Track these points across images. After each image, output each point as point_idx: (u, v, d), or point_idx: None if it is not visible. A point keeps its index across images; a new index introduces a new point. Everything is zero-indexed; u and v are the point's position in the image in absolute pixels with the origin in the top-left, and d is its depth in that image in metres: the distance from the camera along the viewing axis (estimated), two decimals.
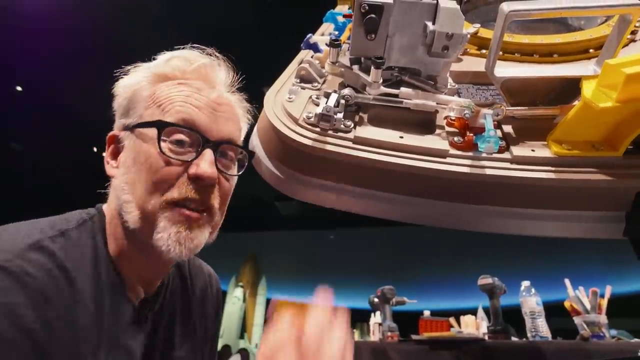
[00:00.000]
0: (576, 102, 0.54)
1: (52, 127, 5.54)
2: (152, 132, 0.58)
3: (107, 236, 0.60)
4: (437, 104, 0.59)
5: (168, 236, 0.55)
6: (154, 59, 0.65)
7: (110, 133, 0.64)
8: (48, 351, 0.47)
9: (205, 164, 0.57)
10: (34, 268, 0.49)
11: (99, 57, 4.36)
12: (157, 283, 0.66)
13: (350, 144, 0.56)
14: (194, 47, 0.66)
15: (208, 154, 0.58)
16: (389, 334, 1.76)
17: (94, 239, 0.59)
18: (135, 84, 0.63)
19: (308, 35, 0.71)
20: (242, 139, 0.68)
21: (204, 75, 0.63)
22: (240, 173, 0.65)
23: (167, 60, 0.63)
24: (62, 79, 4.83)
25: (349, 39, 0.65)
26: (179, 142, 0.58)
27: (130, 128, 0.61)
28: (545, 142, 0.56)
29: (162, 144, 0.56)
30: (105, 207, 0.64)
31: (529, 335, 1.63)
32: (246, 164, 0.65)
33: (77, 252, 0.55)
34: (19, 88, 5.35)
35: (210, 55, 0.66)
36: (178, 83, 0.62)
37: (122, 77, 0.65)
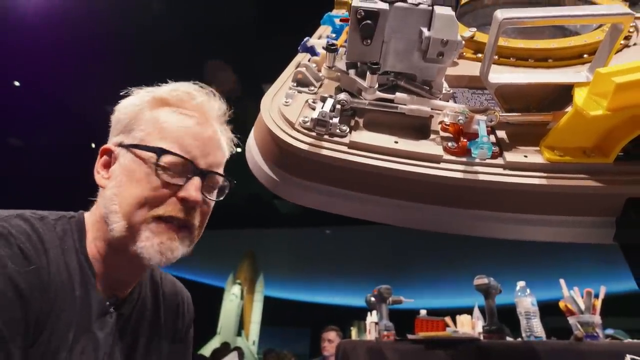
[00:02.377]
0: (569, 109, 0.55)
1: (51, 122, 5.53)
2: (151, 156, 0.64)
3: (87, 237, 0.67)
4: (431, 109, 0.60)
5: (151, 245, 0.62)
6: (158, 84, 0.72)
7: (105, 146, 0.70)
8: (27, 298, 0.54)
9: (193, 189, 0.64)
10: (17, 230, 0.58)
11: (98, 52, 4.35)
12: (128, 289, 0.71)
13: (345, 148, 0.57)
14: (196, 83, 0.74)
15: (196, 180, 0.65)
16: (385, 333, 1.77)
17: (69, 234, 0.65)
18: (138, 105, 0.69)
19: (305, 39, 0.72)
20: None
21: (202, 110, 0.71)
22: (220, 198, 0.73)
23: (171, 91, 0.70)
24: (61, 75, 4.81)
25: (346, 42, 0.66)
26: (173, 167, 0.65)
27: (129, 147, 0.66)
28: (538, 148, 0.57)
29: (159, 168, 0.64)
30: (88, 213, 0.70)
31: (523, 335, 1.64)
32: (227, 191, 0.73)
33: (52, 235, 0.62)
34: (16, 83, 5.33)
35: (209, 92, 0.74)
36: (179, 113, 0.69)
37: (126, 97, 0.71)
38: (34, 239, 0.59)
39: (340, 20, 0.80)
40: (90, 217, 0.69)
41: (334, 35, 0.82)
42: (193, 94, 0.71)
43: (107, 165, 0.69)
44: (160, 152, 0.64)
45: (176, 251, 0.64)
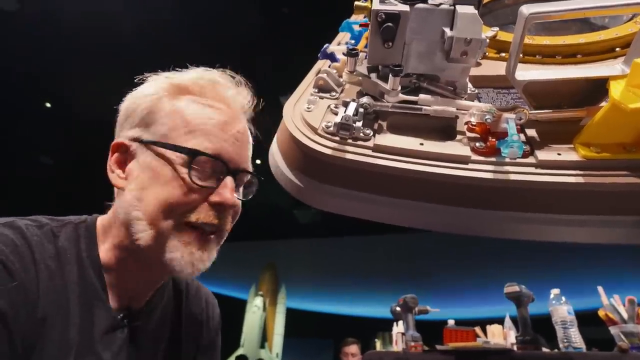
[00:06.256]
0: (604, 104, 0.52)
1: (81, 140, 5.77)
2: (180, 156, 0.58)
3: (98, 243, 0.61)
4: (457, 109, 0.59)
5: (181, 257, 0.57)
6: (174, 68, 0.65)
7: (117, 141, 0.63)
8: (8, 317, 0.48)
9: (227, 192, 0.59)
10: (1, 241, 0.52)
11: (102, 58, 4.50)
12: (144, 298, 0.65)
13: (370, 152, 0.56)
14: (224, 70, 0.67)
15: (229, 182, 0.60)
16: (413, 344, 1.72)
17: (74, 242, 0.60)
18: (155, 94, 0.62)
19: (325, 46, 0.72)
20: None
21: (229, 103, 0.64)
22: (249, 197, 0.67)
23: (193, 78, 0.63)
24: (91, 93, 5.04)
25: (365, 47, 0.65)
26: (205, 168, 0.59)
27: (150, 143, 0.60)
28: (572, 146, 0.54)
29: (192, 171, 0.57)
30: (103, 217, 0.64)
31: (561, 346, 1.55)
32: (255, 188, 0.67)
33: (49, 245, 0.57)
34: (48, 105, 5.62)
35: (238, 82, 0.67)
36: (203, 103, 0.62)
37: (138, 86, 0.65)
38: (21, 250, 0.53)
39: (360, 26, 0.81)
40: (104, 222, 0.63)
41: (352, 41, 0.82)
42: (221, 83, 0.64)
43: (121, 163, 0.62)
44: (193, 153, 0.57)
45: (207, 262, 0.60)
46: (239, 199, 0.63)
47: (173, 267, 0.57)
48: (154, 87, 0.63)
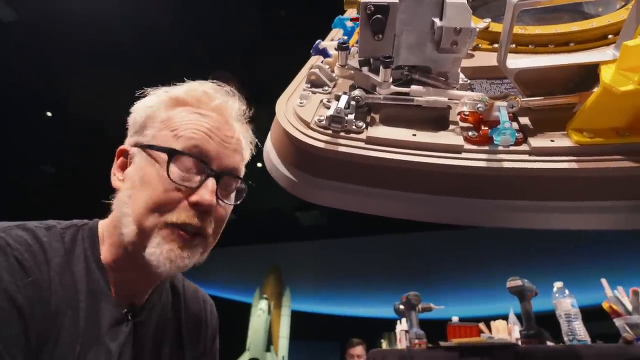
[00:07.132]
0: (596, 89, 0.52)
1: (82, 148, 5.80)
2: (163, 156, 0.61)
3: (100, 243, 0.64)
4: (449, 99, 0.59)
5: (160, 252, 0.58)
6: (174, 84, 0.70)
7: (121, 147, 0.68)
8: (25, 311, 0.51)
9: (207, 192, 0.60)
10: (15, 241, 0.55)
11: (102, 62, 4.53)
12: (145, 295, 0.68)
13: (362, 144, 0.56)
14: (214, 81, 0.71)
15: (210, 182, 0.61)
16: (417, 341, 1.71)
17: (79, 242, 0.63)
18: (153, 105, 0.67)
19: (317, 41, 0.73)
20: (243, 168, 0.71)
21: (220, 111, 0.68)
22: (237, 202, 0.68)
23: (188, 90, 0.68)
24: (92, 101, 5.06)
25: (357, 42, 0.66)
26: (186, 169, 0.61)
27: (143, 147, 0.64)
28: (565, 132, 0.54)
29: (171, 169, 0.60)
30: (104, 220, 0.68)
31: (565, 339, 1.54)
32: (244, 194, 0.69)
33: (58, 244, 0.60)
34: (49, 114, 5.65)
35: (229, 91, 0.71)
36: (194, 111, 0.66)
37: (142, 97, 0.69)
38: (34, 249, 0.56)
39: (351, 20, 0.81)
40: (105, 223, 0.67)
41: (345, 37, 0.82)
42: (211, 94, 0.68)
43: (123, 167, 0.67)
44: (172, 152, 0.61)
45: (187, 260, 0.60)
46: (225, 202, 0.64)
47: (151, 262, 0.58)
48: (153, 99, 0.68)
